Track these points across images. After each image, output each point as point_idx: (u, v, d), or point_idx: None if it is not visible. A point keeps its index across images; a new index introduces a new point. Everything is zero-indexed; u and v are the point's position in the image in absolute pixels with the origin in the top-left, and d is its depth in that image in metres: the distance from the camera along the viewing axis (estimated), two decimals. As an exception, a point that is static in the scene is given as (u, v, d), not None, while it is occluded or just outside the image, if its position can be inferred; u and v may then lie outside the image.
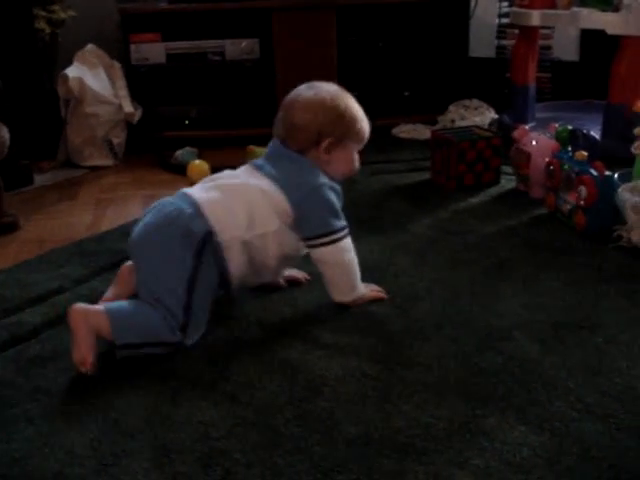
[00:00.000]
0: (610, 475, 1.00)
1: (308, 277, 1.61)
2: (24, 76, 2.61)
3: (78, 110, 2.66)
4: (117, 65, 2.81)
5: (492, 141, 2.20)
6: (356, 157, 1.54)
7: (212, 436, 1.10)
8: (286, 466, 1.03)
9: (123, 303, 1.38)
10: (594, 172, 1.76)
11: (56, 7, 2.76)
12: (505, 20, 3.21)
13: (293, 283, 1.61)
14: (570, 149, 1.90)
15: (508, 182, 2.22)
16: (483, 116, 2.74)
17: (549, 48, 3.19)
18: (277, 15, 2.81)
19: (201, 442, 1.09)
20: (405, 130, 2.89)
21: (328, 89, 1.51)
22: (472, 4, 3.14)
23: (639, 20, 2.33)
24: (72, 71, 2.65)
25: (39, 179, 2.54)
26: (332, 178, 1.49)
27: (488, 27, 3.29)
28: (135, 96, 2.82)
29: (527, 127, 2.20)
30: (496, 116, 2.73)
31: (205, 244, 1.37)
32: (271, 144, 1.54)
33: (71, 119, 2.68)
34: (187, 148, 2.65)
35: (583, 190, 1.76)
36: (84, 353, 1.28)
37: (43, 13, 2.70)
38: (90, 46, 2.77)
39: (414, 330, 1.40)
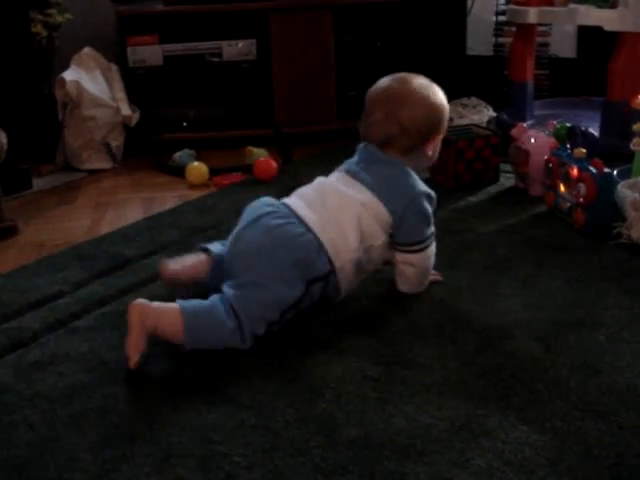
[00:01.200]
0: (612, 474, 1.00)
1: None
2: (21, 80, 2.60)
3: (76, 113, 2.65)
4: (114, 68, 2.81)
5: (491, 139, 2.19)
6: (438, 148, 1.55)
7: (213, 439, 1.10)
8: (287, 469, 1.03)
9: (200, 305, 1.35)
10: (593, 169, 1.76)
11: (52, 11, 2.75)
12: (502, 18, 3.21)
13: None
14: (569, 146, 1.90)
15: (507, 180, 2.21)
16: (481, 114, 2.73)
17: (547, 45, 3.19)
18: (274, 16, 2.81)
19: (202, 445, 1.09)
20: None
21: (425, 83, 1.51)
22: (469, 2, 3.13)
23: (636, 16, 2.32)
24: (69, 74, 2.64)
25: (38, 183, 2.53)
26: (414, 169, 1.50)
27: (485, 25, 3.28)
28: (133, 99, 2.82)
29: (525, 125, 2.20)
30: (494, 114, 2.73)
31: (321, 279, 1.39)
32: (363, 147, 1.52)
33: (69, 123, 2.67)
34: (185, 150, 2.65)
35: (582, 187, 1.76)
36: (131, 350, 1.29)
37: (40, 17, 2.70)
38: (87, 49, 2.77)
39: (414, 330, 1.39)
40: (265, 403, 1.18)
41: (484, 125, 2.53)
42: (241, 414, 1.15)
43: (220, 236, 1.87)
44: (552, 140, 1.99)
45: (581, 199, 1.77)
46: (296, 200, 1.47)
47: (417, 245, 1.48)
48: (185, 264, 1.50)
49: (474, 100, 2.87)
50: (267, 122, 2.89)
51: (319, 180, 1.53)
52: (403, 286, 1.54)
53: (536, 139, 2.05)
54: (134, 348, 1.29)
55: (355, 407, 1.16)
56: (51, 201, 2.38)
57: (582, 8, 2.43)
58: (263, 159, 2.43)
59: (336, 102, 2.91)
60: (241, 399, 1.19)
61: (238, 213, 2.04)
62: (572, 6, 2.48)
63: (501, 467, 1.02)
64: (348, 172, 1.50)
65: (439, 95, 1.51)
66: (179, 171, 2.52)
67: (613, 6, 2.39)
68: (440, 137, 1.53)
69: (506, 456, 1.04)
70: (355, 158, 1.53)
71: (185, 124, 2.90)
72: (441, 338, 1.36)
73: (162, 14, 2.82)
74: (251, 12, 2.81)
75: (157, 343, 1.37)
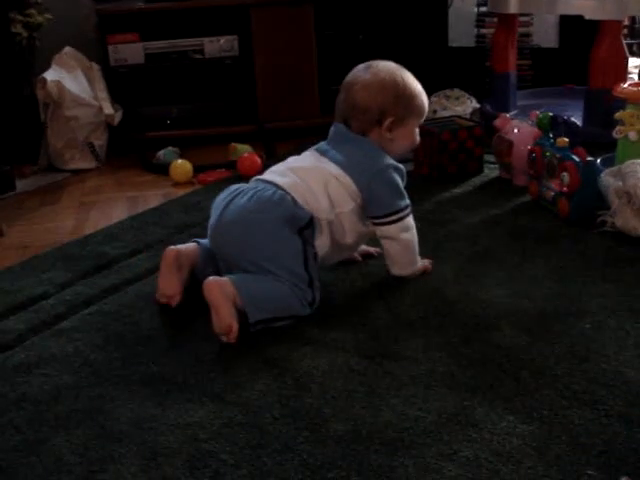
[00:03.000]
0: (600, 462, 1.00)
1: (380, 251, 1.63)
2: (2, 81, 2.59)
3: (58, 114, 2.64)
4: (96, 67, 2.79)
5: (474, 130, 2.19)
6: (416, 131, 1.58)
7: (200, 437, 1.09)
8: (275, 465, 1.03)
9: (246, 276, 1.41)
10: (576, 158, 1.76)
11: (32, 11, 2.74)
12: (484, 9, 3.21)
13: (367, 256, 1.68)
14: (552, 136, 1.90)
15: (492, 171, 2.21)
16: (465, 105, 2.73)
17: (529, 35, 3.19)
18: (255, 11, 2.80)
19: (189, 444, 1.08)
20: (387, 122, 2.88)
21: (386, 68, 1.54)
22: (450, -6, 3.13)
23: (616, 4, 2.33)
24: (50, 75, 2.62)
25: (21, 184, 2.51)
26: (395, 155, 1.54)
27: (467, 16, 3.28)
28: (115, 97, 2.80)
29: (508, 115, 2.20)
30: (478, 105, 2.73)
31: (306, 227, 1.43)
32: (333, 128, 1.57)
33: (51, 123, 2.66)
34: (169, 148, 2.64)
35: (566, 176, 1.76)
36: (228, 321, 1.32)
37: (19, 17, 2.68)
38: (68, 49, 2.75)
39: (400, 323, 1.39)
40: (251, 400, 1.18)
41: (467, 116, 2.53)
42: (227, 412, 1.15)
43: (205, 234, 1.87)
44: (535, 130, 1.99)
45: (565, 188, 1.77)
46: (265, 174, 1.53)
47: (391, 216, 1.50)
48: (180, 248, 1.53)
49: (457, 91, 2.86)
50: (250, 118, 2.88)
51: (290, 158, 1.59)
52: (393, 267, 1.56)
53: (519, 129, 2.05)
54: (228, 315, 1.33)
55: (342, 402, 1.16)
56: (35, 202, 2.37)
57: (563, -3, 2.44)
58: (247, 155, 2.43)
59: (319, 96, 2.91)
60: (227, 396, 1.19)
61: (223, 210, 2.06)
62: (553, -5, 2.48)
63: (489, 458, 1.02)
64: (317, 150, 1.56)
65: (397, 77, 1.53)
66: (163, 169, 2.51)
67: (593, -5, 2.39)
68: (408, 122, 1.54)
69: (494, 447, 1.04)
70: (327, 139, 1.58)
71: (168, 122, 2.89)
72: (427, 330, 1.36)
73: (143, 12, 2.81)
74: (232, 7, 2.80)
75: (140, 343, 1.37)
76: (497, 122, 2.12)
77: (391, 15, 2.96)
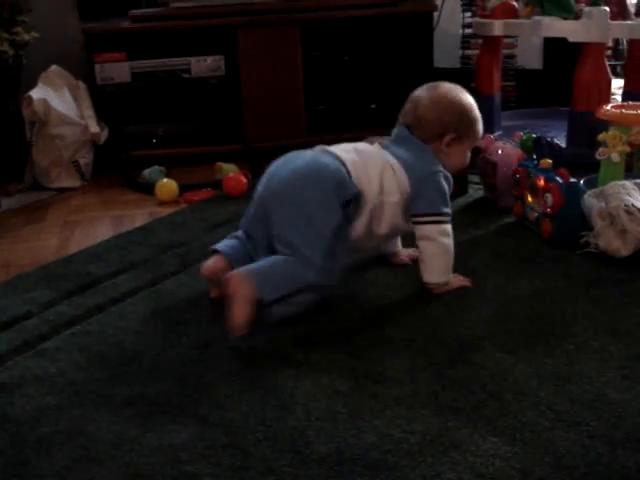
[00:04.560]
0: (582, 484, 1.00)
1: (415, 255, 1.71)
2: (-12, 99, 2.59)
3: (44, 132, 2.63)
4: (82, 85, 2.79)
5: (459, 151, 2.20)
6: (468, 153, 1.70)
7: (182, 459, 1.09)
8: (258, 487, 1.03)
9: (255, 263, 1.48)
10: (559, 180, 1.77)
11: (19, 29, 2.73)
12: (469, 30, 3.24)
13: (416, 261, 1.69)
14: (535, 157, 1.91)
15: (476, 192, 2.23)
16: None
17: (513, 57, 3.22)
18: (242, 31, 2.81)
19: (171, 466, 1.08)
20: (373, 143, 2.88)
21: (454, 88, 1.68)
22: (436, 15, 3.15)
23: (600, 27, 2.36)
24: (36, 93, 2.62)
25: (5, 202, 2.50)
26: (445, 169, 1.63)
27: (452, 37, 3.31)
28: (101, 116, 2.80)
29: (492, 136, 2.21)
30: (463, 126, 2.74)
31: (350, 203, 1.51)
32: (397, 130, 1.68)
33: (37, 141, 2.65)
34: (155, 167, 2.64)
35: (549, 198, 1.77)
36: (240, 317, 1.38)
37: (6, 35, 2.67)
38: (54, 67, 2.75)
39: (384, 343, 1.40)
40: (235, 421, 1.17)
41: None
42: (210, 433, 1.14)
43: (191, 253, 1.87)
44: (519, 151, 2.00)
45: (548, 209, 1.78)
46: (331, 147, 1.61)
47: (433, 216, 1.58)
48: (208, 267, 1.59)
49: (442, 112, 2.88)
50: (237, 137, 2.88)
51: (359, 143, 1.67)
52: (426, 272, 1.60)
53: (503, 150, 2.06)
54: (244, 311, 1.38)
55: (326, 423, 1.16)
56: (19, 220, 2.36)
57: (546, 20, 2.46)
58: (233, 175, 2.43)
59: (305, 117, 2.92)
60: (210, 418, 1.18)
61: (209, 229, 2.07)
62: (536, 18, 2.50)
63: (472, 480, 1.02)
64: (380, 144, 1.66)
65: (464, 99, 1.67)
66: (149, 188, 2.51)
67: (577, 17, 2.42)
68: (464, 142, 1.66)
69: (477, 469, 1.04)
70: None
71: (154, 141, 2.89)
72: (411, 351, 1.36)
73: (129, 31, 2.81)
74: (218, 28, 2.81)
75: (124, 364, 1.36)
76: (481, 143, 2.13)
77: (377, 36, 2.98)
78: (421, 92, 1.67)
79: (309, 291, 1.46)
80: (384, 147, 1.64)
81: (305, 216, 1.47)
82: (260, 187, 1.57)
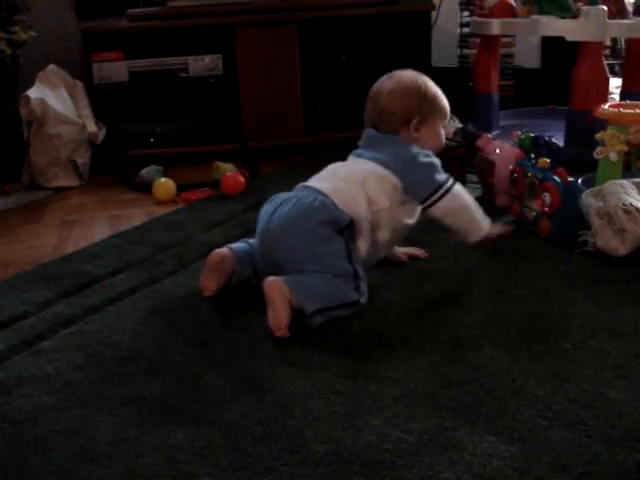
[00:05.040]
0: (580, 483, 1.00)
1: (426, 254, 1.78)
2: (-15, 99, 2.59)
3: (41, 131, 2.63)
4: (79, 85, 2.79)
5: (457, 151, 2.20)
6: (442, 132, 1.71)
7: (180, 459, 1.08)
8: (255, 487, 1.02)
9: (296, 276, 1.49)
10: (557, 179, 1.77)
11: (16, 28, 2.73)
12: (467, 29, 3.24)
13: (414, 259, 1.78)
14: (533, 156, 1.91)
15: (474, 191, 2.21)
16: (448, 126, 2.74)
17: (511, 56, 3.22)
18: (239, 31, 2.81)
19: (169, 466, 1.07)
20: (371, 141, 2.88)
21: (407, 74, 1.71)
22: (433, 15, 3.15)
23: (597, 26, 2.36)
24: (34, 92, 2.62)
25: (3, 202, 2.50)
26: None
27: (450, 37, 3.31)
28: (99, 115, 2.80)
29: (490, 135, 2.21)
30: (460, 125, 2.74)
31: (346, 228, 1.53)
32: (365, 133, 1.70)
33: (34, 141, 2.65)
34: (152, 166, 2.63)
35: (547, 197, 1.77)
36: (282, 317, 1.41)
37: (3, 34, 2.67)
38: (52, 66, 2.75)
39: (382, 343, 1.39)
40: (232, 421, 1.17)
41: (450, 136, 2.54)
42: (208, 433, 1.14)
43: (188, 253, 1.87)
44: (517, 150, 2.00)
45: (546, 208, 1.78)
46: (309, 181, 1.64)
47: (436, 193, 1.59)
48: (216, 281, 1.62)
49: (440, 111, 2.88)
50: (234, 137, 2.88)
51: (330, 166, 1.68)
52: (466, 238, 1.66)
53: (501, 150, 2.06)
54: (284, 313, 1.42)
55: (323, 423, 1.15)
56: (17, 220, 2.35)
57: (544, 19, 2.46)
58: (230, 174, 2.42)
59: (303, 116, 2.92)
60: (208, 417, 1.18)
61: (206, 228, 2.06)
62: (534, 17, 2.50)
63: (470, 479, 1.02)
64: (354, 154, 1.69)
65: (419, 81, 1.69)
66: (146, 187, 2.51)
67: (575, 16, 2.42)
68: (431, 122, 1.67)
69: (475, 468, 1.04)
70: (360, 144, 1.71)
71: (152, 140, 2.89)
72: (409, 350, 1.36)
73: (127, 30, 2.81)
74: (216, 27, 2.81)
75: (121, 364, 1.36)
76: (479, 142, 2.13)
77: (375, 35, 2.98)
78: (377, 86, 1.71)
79: (345, 308, 1.48)
80: (358, 155, 1.67)
81: (313, 256, 1.50)
82: (258, 233, 1.60)
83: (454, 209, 1.61)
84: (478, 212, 1.64)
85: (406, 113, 1.64)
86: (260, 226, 1.59)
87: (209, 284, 1.61)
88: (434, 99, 1.68)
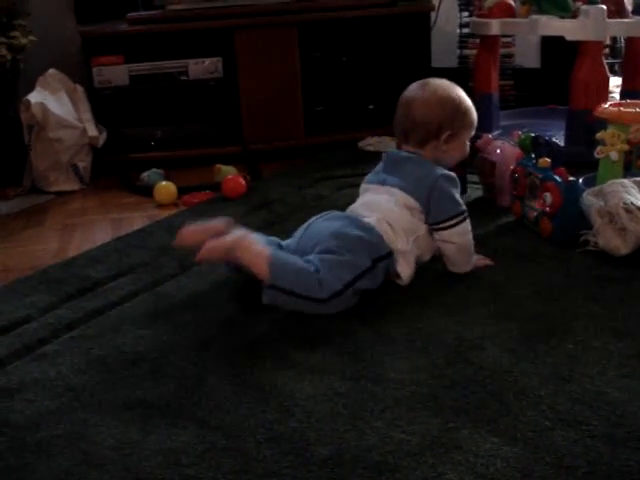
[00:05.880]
0: (584, 483, 1.00)
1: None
2: (-15, 104, 2.59)
3: (42, 136, 2.64)
4: (80, 89, 2.80)
5: (457, 151, 2.20)
6: (467, 144, 1.75)
7: (182, 463, 1.08)
8: (258, 490, 1.02)
9: (285, 254, 1.54)
10: (558, 178, 1.77)
11: (16, 33, 2.73)
12: (466, 30, 3.24)
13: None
14: (533, 156, 1.91)
15: (474, 191, 2.22)
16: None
17: (511, 56, 3.22)
18: (239, 33, 2.81)
19: (172, 470, 1.07)
20: (371, 143, 2.89)
21: (441, 85, 1.71)
22: (433, 15, 3.16)
23: (597, 25, 2.36)
24: (34, 97, 2.63)
25: (4, 207, 2.51)
26: (446, 165, 1.70)
27: (450, 37, 3.32)
28: (99, 119, 2.80)
29: (490, 136, 2.21)
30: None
31: (385, 258, 1.56)
32: (384, 156, 1.75)
33: (35, 145, 2.65)
34: (153, 170, 2.64)
35: (548, 197, 1.77)
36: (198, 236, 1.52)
37: (3, 39, 2.67)
38: (52, 71, 2.76)
39: (384, 344, 1.39)
40: (235, 424, 1.17)
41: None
42: (211, 436, 1.14)
43: (190, 256, 1.86)
44: (517, 150, 2.00)
45: (547, 208, 1.78)
46: (354, 208, 1.69)
47: (449, 221, 1.63)
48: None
49: (441, 112, 2.88)
50: (235, 139, 2.89)
51: (361, 199, 1.72)
52: (452, 267, 1.68)
53: (501, 150, 2.06)
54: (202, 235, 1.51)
55: (326, 425, 1.15)
56: (18, 224, 2.36)
57: (543, 19, 2.46)
58: (231, 176, 2.42)
59: (303, 118, 2.92)
60: (210, 421, 1.18)
61: (207, 232, 2.05)
62: (533, 17, 2.50)
63: (473, 480, 1.02)
64: (378, 182, 1.70)
65: (453, 94, 1.70)
66: (147, 191, 2.51)
67: (574, 16, 2.42)
68: (461, 132, 1.70)
69: (478, 469, 1.04)
70: (379, 167, 1.74)
71: (153, 143, 2.90)
72: (411, 351, 1.36)
73: (127, 34, 2.82)
74: (216, 30, 2.81)
75: (123, 367, 1.36)
76: (480, 143, 2.13)
77: (375, 37, 2.98)
78: (409, 94, 1.70)
79: (307, 302, 1.48)
80: (382, 182, 1.68)
81: (337, 253, 1.51)
82: (299, 234, 1.63)
83: (455, 242, 1.64)
84: (472, 249, 1.68)
85: (438, 125, 1.65)
86: (302, 229, 1.64)
87: (193, 237, 1.59)
88: (467, 112, 1.70)
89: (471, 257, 1.68)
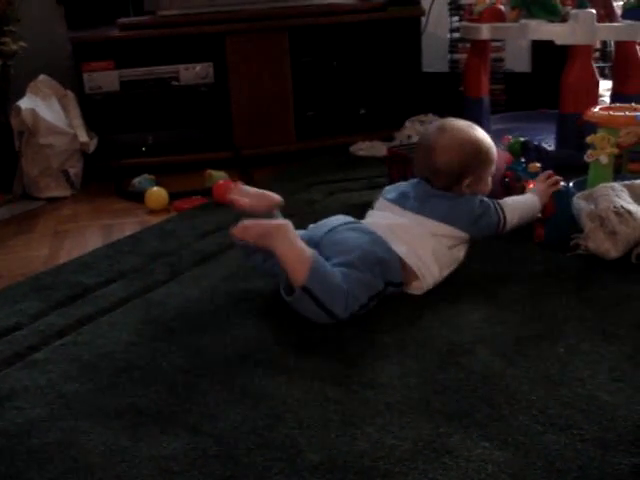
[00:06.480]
0: (575, 487, 1.00)
1: None
2: (-24, 110, 2.58)
3: (32, 142, 2.63)
4: (70, 95, 2.79)
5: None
6: (489, 180, 1.72)
7: (174, 470, 1.08)
8: (250, 497, 1.02)
9: (324, 262, 1.49)
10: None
11: (7, 39, 2.73)
12: (457, 34, 3.25)
13: None
14: (523, 160, 1.91)
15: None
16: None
17: (501, 60, 3.23)
18: (230, 39, 2.81)
19: (162, 476, 1.07)
20: (363, 148, 2.89)
21: (459, 128, 1.69)
22: (423, 20, 3.16)
23: (586, 30, 2.37)
24: (25, 103, 2.62)
25: (-5, 213, 2.50)
26: None
27: (440, 42, 3.32)
28: (90, 125, 2.80)
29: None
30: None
31: (394, 285, 1.57)
32: (416, 184, 1.71)
33: (26, 151, 2.65)
34: (145, 175, 2.63)
35: (539, 201, 1.77)
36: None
37: (-7, 45, 2.68)
38: (42, 77, 2.75)
39: (375, 349, 1.39)
40: (226, 430, 1.16)
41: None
42: (202, 443, 1.14)
43: (181, 262, 1.87)
44: (507, 155, 2.00)
45: (539, 214, 1.78)
46: (380, 230, 1.61)
47: (498, 228, 1.67)
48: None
49: (431, 117, 2.89)
50: (226, 145, 2.88)
51: (383, 217, 1.69)
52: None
53: (492, 154, 2.06)
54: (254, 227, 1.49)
55: (317, 431, 1.15)
56: (9, 231, 2.35)
57: (533, 23, 2.47)
58: (222, 182, 2.42)
59: (295, 123, 2.92)
60: (201, 427, 1.18)
61: (199, 237, 2.06)
62: (523, 21, 2.51)
63: (464, 485, 1.02)
64: (412, 209, 1.66)
65: (472, 137, 1.68)
66: (139, 197, 2.51)
67: (564, 20, 2.43)
68: (483, 173, 1.69)
69: (470, 474, 1.04)
70: (410, 192, 1.69)
71: (144, 149, 2.89)
72: (403, 356, 1.36)
73: (118, 40, 2.81)
74: (207, 35, 2.81)
75: (114, 374, 1.36)
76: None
77: (365, 42, 2.99)
78: (430, 138, 1.69)
79: (325, 314, 1.46)
80: (413, 210, 1.65)
81: (359, 270, 1.51)
82: (323, 233, 1.61)
83: (515, 222, 1.68)
84: (529, 210, 1.72)
85: (460, 173, 1.65)
86: (326, 226, 1.63)
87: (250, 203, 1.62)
88: (487, 153, 1.69)
89: (535, 209, 1.73)
